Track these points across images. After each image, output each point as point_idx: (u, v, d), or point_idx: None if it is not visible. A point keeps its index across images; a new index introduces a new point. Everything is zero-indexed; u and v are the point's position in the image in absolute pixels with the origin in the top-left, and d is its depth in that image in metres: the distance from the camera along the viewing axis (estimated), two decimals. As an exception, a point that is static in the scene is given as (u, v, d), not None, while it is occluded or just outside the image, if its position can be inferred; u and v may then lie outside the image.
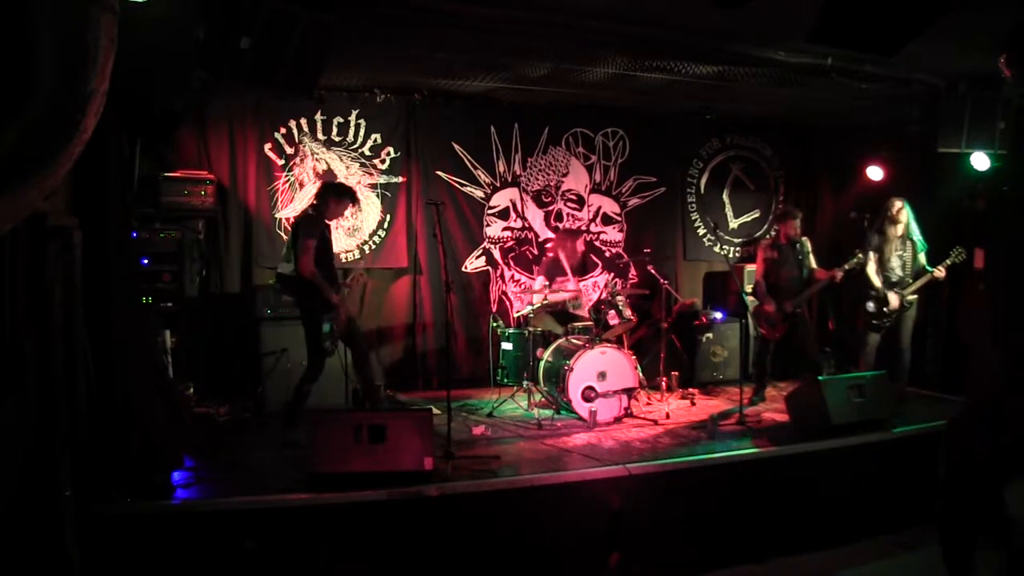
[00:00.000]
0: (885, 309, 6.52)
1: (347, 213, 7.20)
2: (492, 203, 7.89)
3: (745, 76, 6.35)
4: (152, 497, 4.10)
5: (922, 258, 6.60)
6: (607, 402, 6.11)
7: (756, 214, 8.97)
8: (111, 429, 4.01)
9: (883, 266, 6.57)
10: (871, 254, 6.57)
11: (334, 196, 5.70)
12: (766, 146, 8.98)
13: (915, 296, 6.58)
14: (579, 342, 6.36)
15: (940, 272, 6.41)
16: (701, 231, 8.75)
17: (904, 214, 6.54)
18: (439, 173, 7.63)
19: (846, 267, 6.48)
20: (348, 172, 7.31)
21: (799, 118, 8.48)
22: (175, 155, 6.55)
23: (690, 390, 7.32)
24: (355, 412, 5.67)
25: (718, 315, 7.88)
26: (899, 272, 6.57)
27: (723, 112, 8.31)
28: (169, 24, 3.91)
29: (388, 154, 7.44)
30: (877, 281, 6.54)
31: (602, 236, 8.33)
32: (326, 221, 5.68)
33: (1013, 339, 3.65)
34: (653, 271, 6.94)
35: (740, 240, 8.88)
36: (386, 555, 4.29)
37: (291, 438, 5.26)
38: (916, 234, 6.60)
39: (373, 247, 7.41)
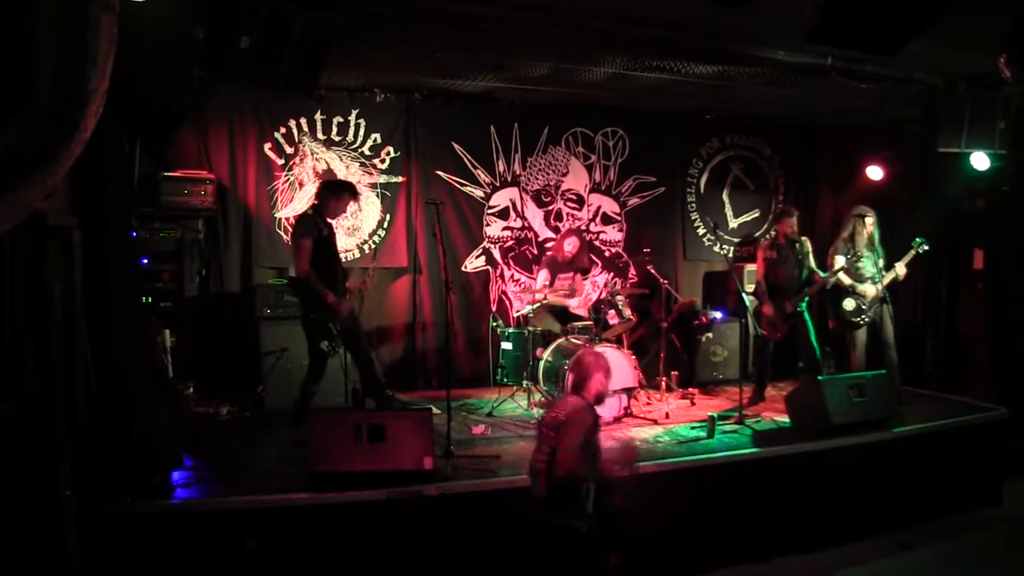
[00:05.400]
0: (863, 304, 6.57)
1: (348, 212, 7.22)
2: (492, 203, 7.88)
3: (745, 76, 6.35)
4: (152, 497, 4.09)
5: (882, 262, 6.72)
6: (607, 402, 6.09)
7: (756, 214, 8.97)
8: (111, 429, 4.01)
9: (854, 268, 6.62)
10: (840, 258, 6.64)
11: (333, 193, 5.73)
12: (766, 146, 8.97)
13: (887, 290, 6.66)
14: (579, 341, 6.36)
15: (901, 271, 6.55)
16: (701, 231, 8.75)
17: (872, 221, 6.67)
18: (439, 173, 7.63)
19: (838, 272, 6.57)
20: (348, 172, 7.30)
21: (799, 118, 8.48)
22: (175, 155, 6.55)
23: (690, 390, 7.32)
24: (355, 412, 5.67)
25: (718, 315, 7.88)
26: (871, 269, 6.66)
27: (723, 112, 8.32)
28: (169, 24, 3.91)
29: (388, 154, 7.44)
30: (848, 280, 6.60)
31: (602, 236, 8.33)
32: (328, 220, 5.69)
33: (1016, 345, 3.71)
34: (653, 271, 6.93)
35: (739, 240, 8.88)
36: (386, 555, 4.29)
37: (302, 437, 5.15)
38: (878, 237, 6.74)
39: (373, 247, 7.41)
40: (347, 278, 5.94)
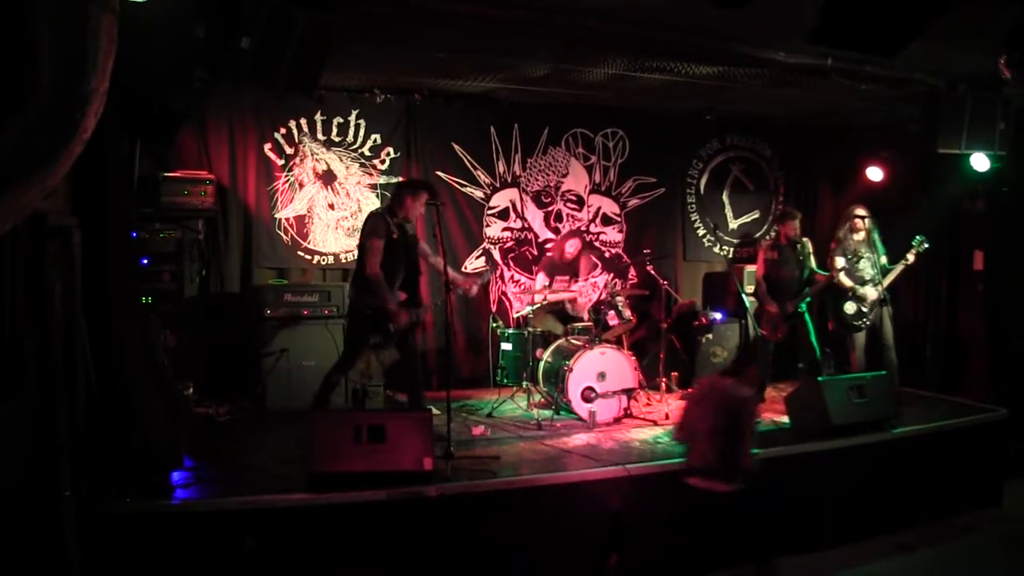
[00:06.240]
0: (863, 307, 6.58)
1: (347, 213, 7.24)
2: (492, 203, 7.88)
3: (745, 77, 6.36)
4: (151, 497, 4.09)
5: (883, 259, 6.73)
6: (607, 402, 6.11)
7: (756, 215, 8.97)
8: (111, 429, 4.01)
9: (853, 269, 6.63)
10: (840, 259, 6.65)
11: (410, 192, 5.54)
12: (766, 147, 8.98)
13: (888, 291, 6.67)
14: (579, 342, 6.36)
15: (910, 259, 6.57)
16: (701, 232, 8.75)
17: (867, 220, 6.70)
18: (439, 173, 7.63)
19: (840, 273, 6.59)
20: (348, 172, 7.30)
21: (799, 118, 8.49)
22: (175, 155, 6.54)
23: (690, 391, 7.30)
24: (355, 412, 5.67)
25: (718, 315, 7.88)
26: (870, 270, 6.67)
27: (723, 112, 8.32)
28: (169, 23, 3.91)
29: (388, 154, 7.44)
30: (848, 282, 6.63)
31: (602, 236, 8.33)
32: (398, 222, 5.49)
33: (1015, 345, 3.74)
34: (653, 272, 6.93)
35: (739, 241, 8.88)
36: (386, 555, 4.29)
37: (301, 437, 5.06)
38: (876, 236, 6.75)
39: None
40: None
